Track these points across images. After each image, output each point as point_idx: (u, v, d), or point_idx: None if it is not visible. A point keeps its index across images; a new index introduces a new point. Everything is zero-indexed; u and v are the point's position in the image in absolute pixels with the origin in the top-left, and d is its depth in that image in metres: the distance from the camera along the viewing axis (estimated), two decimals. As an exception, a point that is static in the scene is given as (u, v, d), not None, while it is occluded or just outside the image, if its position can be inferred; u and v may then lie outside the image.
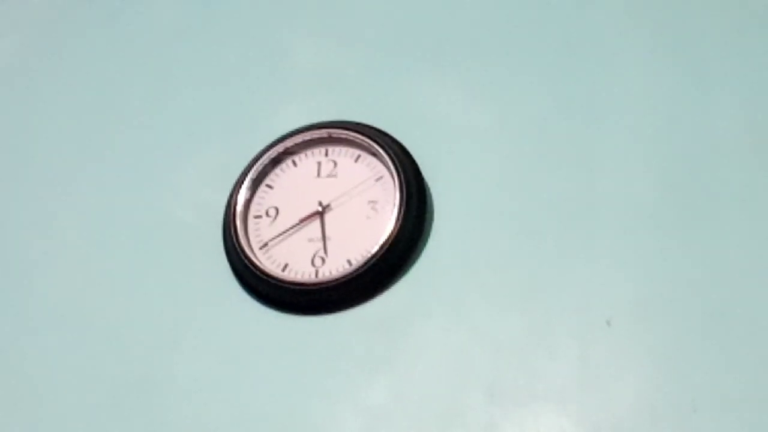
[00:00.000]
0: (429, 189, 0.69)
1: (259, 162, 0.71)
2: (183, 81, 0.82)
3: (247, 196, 0.70)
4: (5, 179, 0.80)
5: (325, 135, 0.70)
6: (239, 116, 0.77)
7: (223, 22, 0.84)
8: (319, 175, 0.70)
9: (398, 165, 0.67)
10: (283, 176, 0.71)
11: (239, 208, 0.69)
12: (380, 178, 0.68)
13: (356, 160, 0.70)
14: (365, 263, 0.64)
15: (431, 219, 0.67)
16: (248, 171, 0.70)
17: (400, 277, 0.65)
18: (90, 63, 0.85)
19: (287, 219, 0.68)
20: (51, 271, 0.73)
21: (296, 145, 0.71)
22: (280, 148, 0.71)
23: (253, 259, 0.67)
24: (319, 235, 0.67)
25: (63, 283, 0.72)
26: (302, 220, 0.68)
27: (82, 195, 0.77)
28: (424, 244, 0.66)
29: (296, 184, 0.70)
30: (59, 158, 0.80)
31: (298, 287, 0.65)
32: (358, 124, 0.71)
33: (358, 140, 0.69)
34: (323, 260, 0.66)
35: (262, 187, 0.70)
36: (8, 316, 0.71)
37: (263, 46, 0.81)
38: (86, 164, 0.78)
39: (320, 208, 0.68)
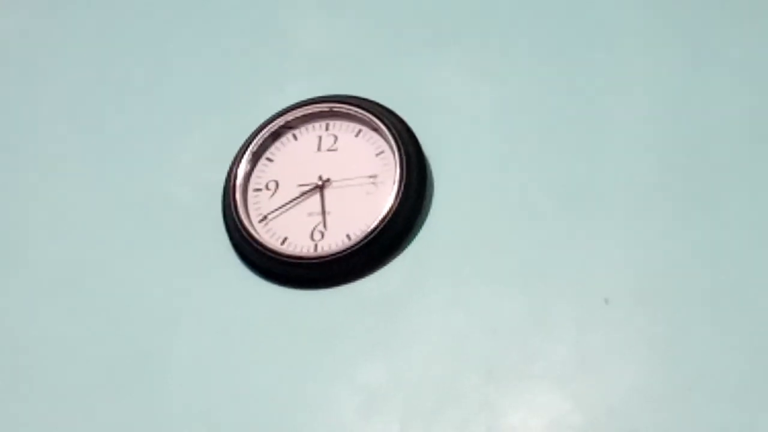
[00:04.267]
0: (429, 165, 0.68)
1: (260, 135, 0.70)
2: (184, 56, 0.81)
3: (247, 169, 0.69)
4: (2, 158, 0.79)
5: (326, 109, 0.70)
6: (241, 91, 0.77)
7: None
8: (319, 149, 0.70)
9: (399, 141, 0.67)
10: (284, 150, 0.70)
11: (239, 181, 0.69)
12: (381, 153, 0.68)
13: (357, 135, 0.69)
14: (364, 238, 0.64)
15: (431, 195, 0.67)
16: (248, 144, 0.70)
17: (399, 253, 0.65)
18: (88, 39, 0.85)
19: (287, 192, 0.68)
20: (50, 250, 0.73)
21: (297, 119, 0.71)
22: (280, 121, 0.71)
23: (252, 232, 0.66)
24: (319, 209, 0.67)
25: (62, 261, 0.72)
26: (302, 194, 0.68)
27: (82, 170, 0.76)
28: (424, 221, 0.66)
29: (296, 157, 0.70)
30: (57, 136, 0.79)
31: (296, 261, 0.65)
32: (359, 98, 0.71)
33: (359, 115, 0.69)
34: (322, 234, 0.66)
35: (263, 161, 0.70)
36: (7, 292, 0.71)
37: (265, 20, 0.81)
38: (86, 139, 0.78)
39: (320, 182, 0.68)
